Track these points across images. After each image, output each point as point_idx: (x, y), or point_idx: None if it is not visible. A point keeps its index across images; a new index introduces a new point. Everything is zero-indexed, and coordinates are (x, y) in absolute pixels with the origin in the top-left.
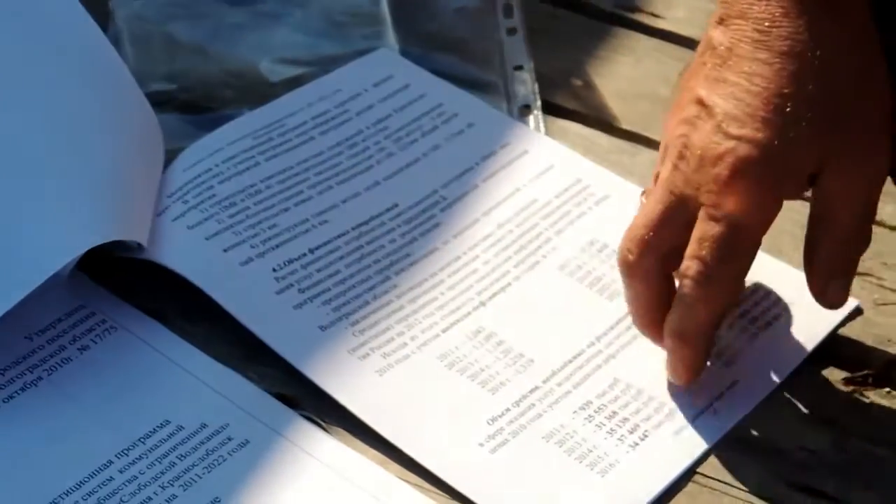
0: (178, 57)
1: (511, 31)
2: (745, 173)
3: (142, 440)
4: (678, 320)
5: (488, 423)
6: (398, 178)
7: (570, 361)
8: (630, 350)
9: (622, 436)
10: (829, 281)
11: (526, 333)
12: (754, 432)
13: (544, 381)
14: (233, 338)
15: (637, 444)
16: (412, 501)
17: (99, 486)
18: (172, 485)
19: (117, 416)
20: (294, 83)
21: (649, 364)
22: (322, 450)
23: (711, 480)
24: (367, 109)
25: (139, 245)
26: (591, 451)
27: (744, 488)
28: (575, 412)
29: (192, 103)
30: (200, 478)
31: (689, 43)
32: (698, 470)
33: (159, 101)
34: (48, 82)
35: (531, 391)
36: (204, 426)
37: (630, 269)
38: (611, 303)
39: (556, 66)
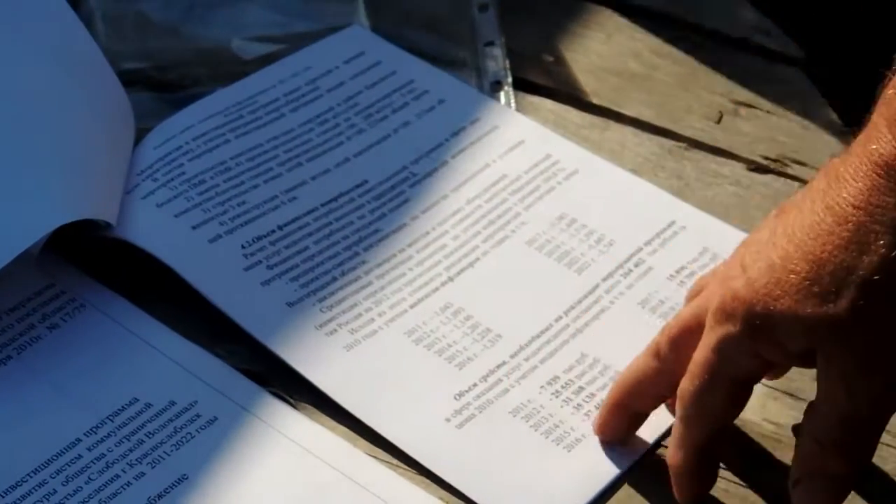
0: (151, 35)
1: (482, 8)
2: (731, 311)
3: (110, 418)
4: (673, 438)
5: (455, 398)
6: (368, 154)
7: (538, 336)
8: (598, 324)
9: (589, 411)
10: (802, 476)
11: (494, 308)
12: None
13: (512, 356)
14: (202, 315)
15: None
16: (380, 477)
17: (67, 464)
18: (140, 462)
19: (86, 394)
20: (266, 61)
21: (617, 338)
22: (290, 426)
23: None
24: (337, 86)
25: (108, 224)
26: (557, 426)
27: None
28: (542, 387)
29: (165, 82)
30: (169, 455)
31: (660, 18)
32: (664, 444)
33: (131, 80)
34: (19, 61)
35: (498, 366)
36: (172, 403)
37: (654, 349)
38: (579, 276)
39: (528, 42)
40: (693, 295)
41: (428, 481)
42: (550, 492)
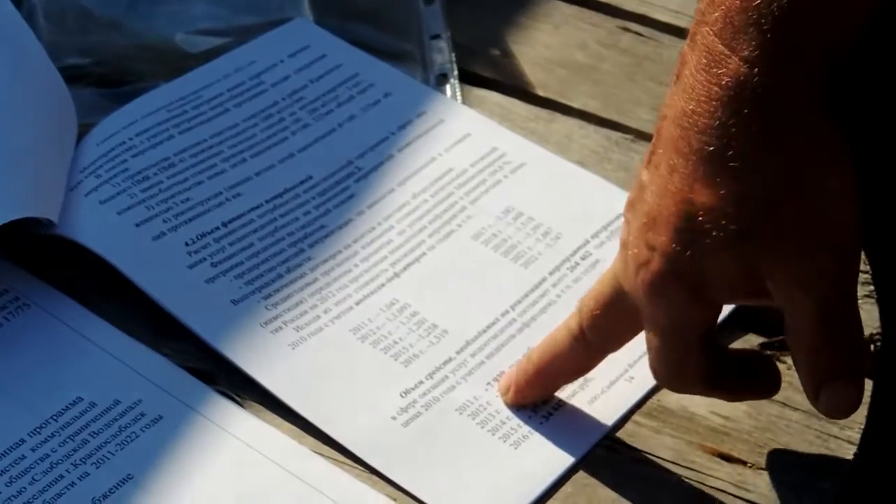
0: (93, 31)
1: (428, 1)
2: (662, 288)
3: (54, 418)
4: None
5: (401, 395)
6: (313, 149)
7: (484, 331)
8: (545, 318)
9: (535, 406)
10: (819, 389)
11: (440, 304)
12: (669, 399)
13: (458, 353)
14: (146, 313)
15: (551, 414)
16: (327, 475)
17: (11, 464)
18: (85, 462)
19: (30, 394)
20: (211, 54)
21: None
22: (236, 425)
23: (627, 449)
24: (282, 80)
25: (50, 221)
26: (504, 423)
27: (660, 456)
28: (489, 383)
29: (108, 77)
30: (113, 455)
31: (607, 9)
32: (613, 438)
33: (74, 76)
34: None
35: (444, 363)
36: (117, 402)
37: (575, 332)
38: (526, 270)
39: (474, 34)
40: None
41: (375, 479)
42: (497, 489)
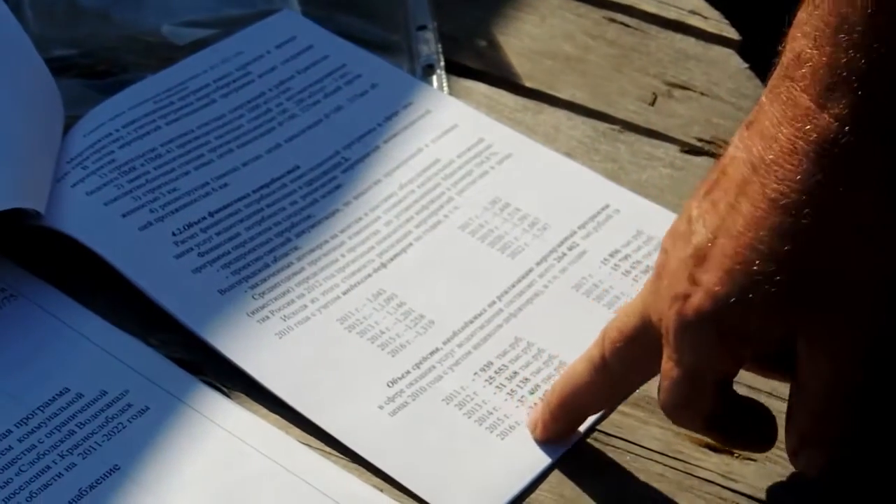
0: (80, 22)
1: None
2: (697, 326)
3: (41, 408)
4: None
5: (388, 385)
6: (300, 139)
7: (471, 322)
8: (531, 308)
9: (523, 396)
10: (800, 449)
11: (427, 294)
12: (657, 390)
13: (445, 343)
14: (133, 304)
15: (538, 404)
16: (313, 465)
17: None
18: (72, 453)
19: (17, 385)
20: (198, 46)
21: (550, 322)
22: (223, 415)
23: (614, 439)
24: (269, 71)
25: (37, 213)
26: (491, 413)
27: (647, 446)
28: (476, 374)
29: (95, 68)
30: (100, 445)
31: (593, 0)
32: (600, 429)
33: (61, 67)
34: None
35: (431, 353)
36: (104, 393)
37: (597, 363)
38: (512, 261)
39: (460, 25)
40: None
41: (362, 469)
42: (484, 479)
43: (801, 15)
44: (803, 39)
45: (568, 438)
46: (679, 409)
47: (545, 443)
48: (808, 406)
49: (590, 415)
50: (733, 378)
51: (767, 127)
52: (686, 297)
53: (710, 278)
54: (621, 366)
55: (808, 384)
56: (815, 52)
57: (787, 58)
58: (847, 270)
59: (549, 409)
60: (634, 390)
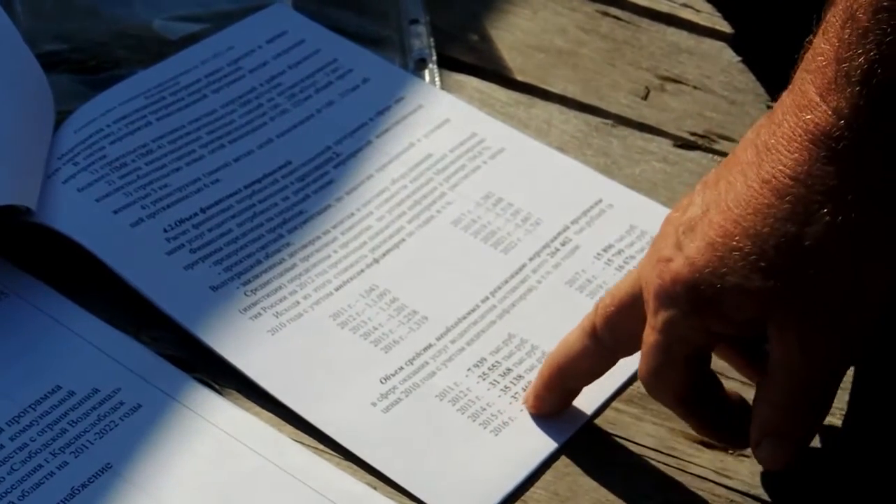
0: (71, 17)
1: None
2: (672, 292)
3: (33, 406)
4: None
5: (381, 381)
6: (292, 135)
7: (464, 318)
8: (525, 304)
9: (516, 393)
10: (761, 438)
11: (420, 290)
12: None
13: (438, 339)
14: (125, 301)
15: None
16: (306, 463)
17: None
18: (64, 451)
19: (8, 383)
20: (189, 40)
21: (544, 318)
22: (215, 412)
23: (608, 436)
24: (260, 66)
25: (28, 209)
26: (484, 409)
27: (641, 443)
28: (469, 370)
29: (86, 64)
30: (92, 444)
31: None
32: (594, 425)
33: (51, 62)
34: None
35: (425, 349)
36: (96, 391)
37: (588, 330)
38: (505, 256)
39: (452, 19)
40: None
41: (355, 466)
42: (477, 476)
43: (826, 10)
44: (821, 34)
45: (561, 420)
46: (651, 377)
47: (538, 415)
48: (771, 397)
49: (582, 386)
50: (707, 356)
51: (777, 114)
52: (668, 260)
53: (693, 246)
54: (610, 334)
55: (775, 374)
56: (826, 45)
57: (808, 51)
58: (830, 267)
59: (541, 377)
60: (618, 359)
